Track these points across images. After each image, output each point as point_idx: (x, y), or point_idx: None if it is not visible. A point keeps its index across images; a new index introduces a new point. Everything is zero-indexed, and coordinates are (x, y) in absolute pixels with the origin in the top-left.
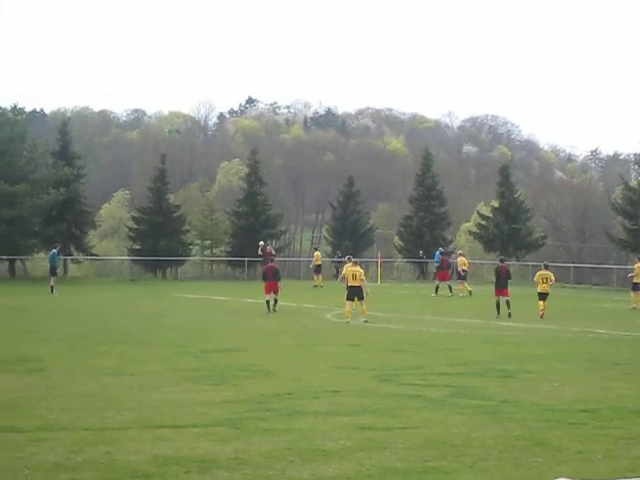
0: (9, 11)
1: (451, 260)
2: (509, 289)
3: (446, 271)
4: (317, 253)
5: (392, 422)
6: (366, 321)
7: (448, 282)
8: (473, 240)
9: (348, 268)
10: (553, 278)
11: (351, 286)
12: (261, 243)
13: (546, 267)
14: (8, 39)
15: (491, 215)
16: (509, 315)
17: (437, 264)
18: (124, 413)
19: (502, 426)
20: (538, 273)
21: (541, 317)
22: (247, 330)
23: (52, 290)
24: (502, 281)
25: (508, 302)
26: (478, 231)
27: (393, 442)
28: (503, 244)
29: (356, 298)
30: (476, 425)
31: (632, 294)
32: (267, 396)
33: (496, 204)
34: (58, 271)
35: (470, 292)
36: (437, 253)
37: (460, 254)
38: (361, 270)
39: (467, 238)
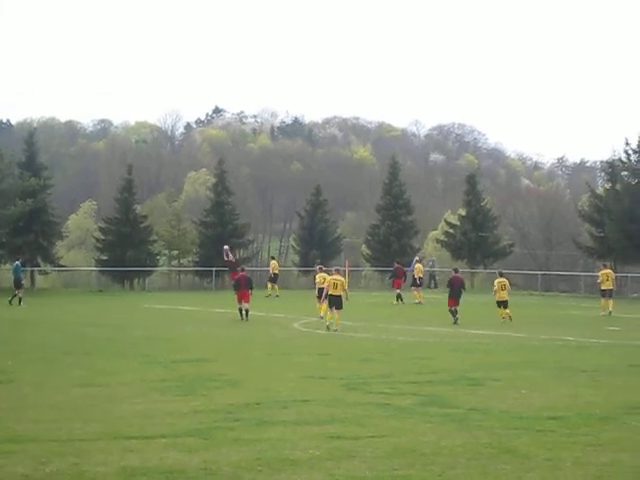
0: None
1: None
2: (461, 299)
3: (400, 279)
4: (274, 262)
5: (361, 431)
6: (336, 330)
7: (399, 290)
8: (441, 248)
9: (329, 277)
10: (509, 285)
11: (331, 295)
12: (226, 247)
13: (501, 275)
14: None
15: (458, 223)
16: (456, 321)
17: (390, 273)
18: (92, 424)
19: (470, 434)
20: (496, 281)
21: (504, 320)
22: (216, 340)
23: (20, 302)
24: (456, 291)
25: (457, 310)
26: (446, 239)
27: (362, 451)
28: (470, 252)
29: (334, 307)
30: (445, 433)
31: (602, 301)
32: (236, 406)
33: (463, 212)
34: (24, 282)
35: (420, 302)
36: (413, 261)
37: (417, 261)
38: (343, 279)
39: (435, 246)
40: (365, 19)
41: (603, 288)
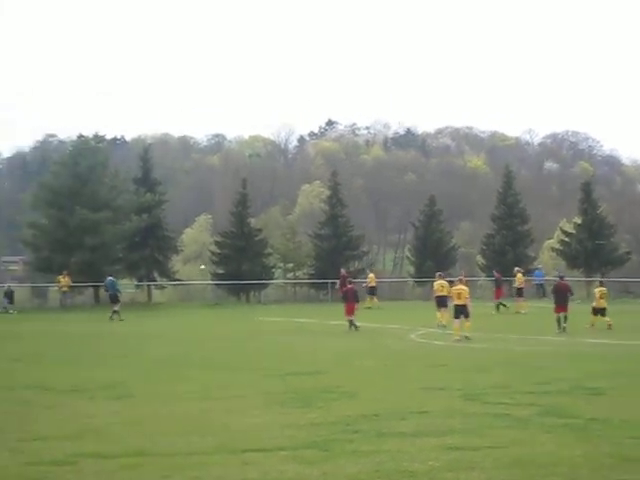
0: (86, 46)
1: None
2: (569, 305)
3: (500, 289)
4: (371, 275)
5: (480, 442)
6: (467, 337)
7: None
8: (556, 257)
9: (454, 287)
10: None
11: (457, 305)
12: (342, 271)
13: (602, 284)
14: (87, 72)
15: (574, 232)
16: (564, 329)
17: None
18: (210, 437)
19: (591, 444)
20: (597, 289)
21: (592, 327)
22: (331, 352)
23: (113, 315)
24: (562, 298)
25: (565, 317)
26: (561, 248)
27: (481, 462)
28: (587, 260)
29: (462, 316)
30: (564, 443)
31: None
32: (353, 418)
33: (579, 220)
34: (120, 296)
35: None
36: (536, 272)
37: (517, 271)
38: (466, 289)
39: (550, 255)
40: (475, 30)
41: None
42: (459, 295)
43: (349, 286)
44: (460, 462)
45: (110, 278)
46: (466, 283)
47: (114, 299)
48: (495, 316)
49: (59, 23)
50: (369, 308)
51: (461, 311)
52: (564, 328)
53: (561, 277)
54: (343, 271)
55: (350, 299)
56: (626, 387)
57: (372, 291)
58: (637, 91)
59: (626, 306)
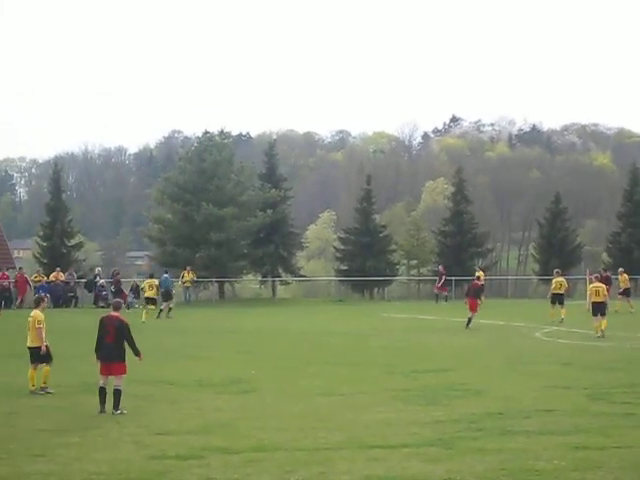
0: (210, 47)
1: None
2: None
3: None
4: (479, 273)
5: (606, 441)
6: (600, 336)
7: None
8: None
9: (591, 285)
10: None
11: (594, 302)
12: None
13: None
14: (214, 70)
15: None
16: None
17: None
18: (336, 433)
19: None
20: (591, 285)
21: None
22: (456, 349)
23: (168, 312)
24: None
25: None
26: None
27: (607, 462)
28: None
29: (599, 314)
30: None
31: None
32: (478, 415)
33: None
34: (174, 293)
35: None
36: None
37: (621, 272)
38: (603, 286)
39: None
40: (596, 23)
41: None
42: (597, 292)
43: (476, 282)
44: (586, 461)
45: (165, 275)
46: (606, 279)
47: (166, 296)
48: (621, 315)
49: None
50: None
51: (599, 308)
52: None
53: None
54: (441, 268)
55: (472, 295)
56: None
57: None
58: None
59: None
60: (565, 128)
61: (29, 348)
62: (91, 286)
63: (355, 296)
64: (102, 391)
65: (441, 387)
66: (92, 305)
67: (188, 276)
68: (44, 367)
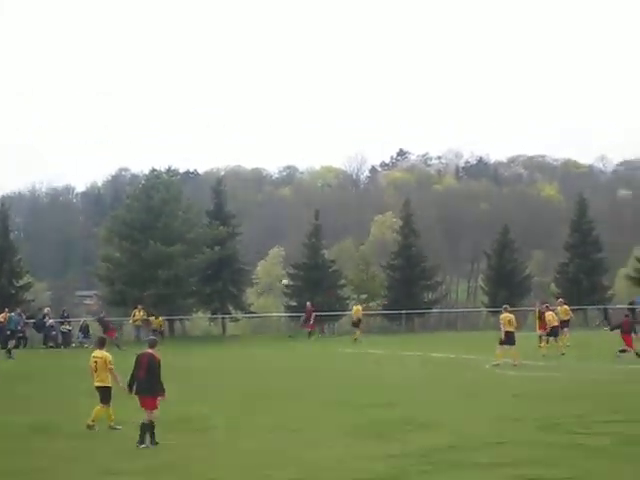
0: (156, 79)
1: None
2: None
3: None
4: (356, 307)
5: (557, 472)
6: (515, 365)
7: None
8: (632, 285)
9: (503, 315)
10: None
11: (507, 332)
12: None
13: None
14: (159, 109)
15: None
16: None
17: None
18: (287, 469)
19: None
20: (502, 316)
21: None
22: (406, 382)
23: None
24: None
25: None
26: (637, 276)
27: None
28: None
29: (508, 343)
30: None
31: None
32: (429, 449)
33: None
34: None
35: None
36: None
37: (560, 303)
38: (512, 316)
39: (626, 284)
40: (540, 59)
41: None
42: (509, 322)
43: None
44: None
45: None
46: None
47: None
48: (573, 348)
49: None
50: (355, 340)
51: (510, 338)
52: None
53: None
54: (309, 305)
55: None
56: None
57: (357, 323)
58: None
59: None
60: (512, 160)
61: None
62: (40, 326)
63: (305, 332)
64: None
65: (392, 421)
66: (42, 345)
67: (139, 315)
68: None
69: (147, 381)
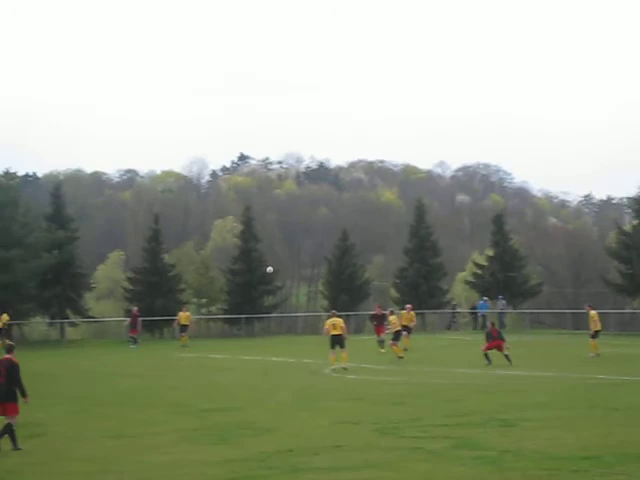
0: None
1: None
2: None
3: (381, 325)
4: (181, 314)
5: (395, 476)
6: (345, 368)
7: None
8: (469, 289)
9: (329, 320)
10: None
11: (333, 335)
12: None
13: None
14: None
15: (486, 264)
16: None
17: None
18: (125, 475)
19: (503, 476)
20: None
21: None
22: (245, 387)
23: None
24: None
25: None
26: (474, 280)
27: None
28: (499, 292)
29: (338, 346)
30: (478, 476)
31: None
32: (268, 453)
33: (491, 253)
34: None
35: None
36: (481, 304)
37: (409, 308)
38: (341, 320)
39: (463, 287)
40: (385, 60)
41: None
42: (334, 326)
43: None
44: None
45: None
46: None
47: None
48: (412, 352)
49: None
50: (184, 346)
51: (338, 341)
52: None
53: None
54: (135, 309)
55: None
56: (537, 419)
57: (183, 329)
58: (544, 124)
59: (538, 337)
60: (352, 165)
61: None
62: None
63: (145, 336)
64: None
65: (231, 426)
66: None
67: (5, 319)
68: None
69: (7, 387)
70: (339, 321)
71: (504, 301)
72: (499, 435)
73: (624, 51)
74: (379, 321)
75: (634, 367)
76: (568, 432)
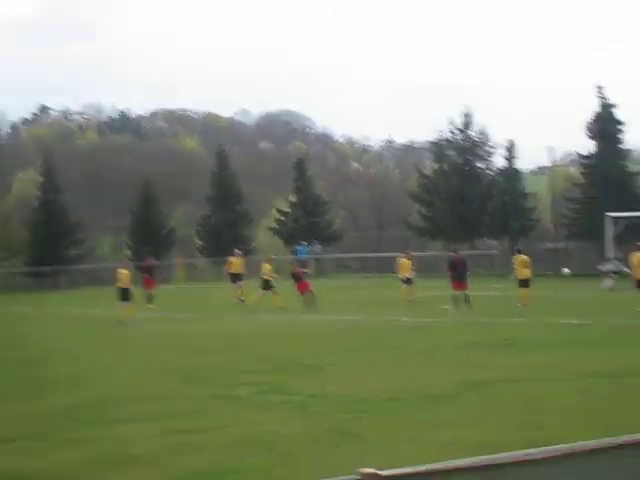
0: None
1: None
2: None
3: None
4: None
5: (202, 424)
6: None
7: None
8: (273, 236)
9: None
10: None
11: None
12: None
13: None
14: None
15: (289, 210)
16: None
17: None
18: None
19: (311, 420)
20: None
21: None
22: (51, 340)
23: None
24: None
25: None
26: (278, 227)
27: (203, 444)
28: (303, 238)
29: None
30: (285, 421)
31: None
32: (74, 406)
33: (294, 199)
34: None
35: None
36: (300, 249)
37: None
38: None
39: (267, 234)
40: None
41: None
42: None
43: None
44: (183, 445)
45: None
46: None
47: None
48: (216, 297)
49: None
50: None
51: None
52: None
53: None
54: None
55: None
56: (344, 363)
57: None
58: (347, 69)
59: (345, 281)
60: (154, 114)
61: None
62: None
63: None
64: None
65: (36, 378)
66: None
67: None
68: None
69: None
70: (126, 273)
71: (320, 246)
72: (305, 380)
73: None
74: (149, 273)
75: (434, 309)
76: (374, 375)
